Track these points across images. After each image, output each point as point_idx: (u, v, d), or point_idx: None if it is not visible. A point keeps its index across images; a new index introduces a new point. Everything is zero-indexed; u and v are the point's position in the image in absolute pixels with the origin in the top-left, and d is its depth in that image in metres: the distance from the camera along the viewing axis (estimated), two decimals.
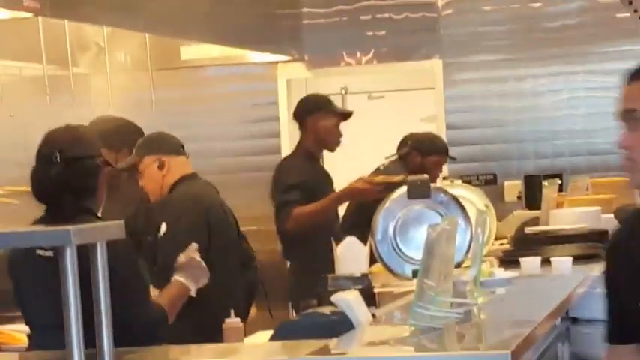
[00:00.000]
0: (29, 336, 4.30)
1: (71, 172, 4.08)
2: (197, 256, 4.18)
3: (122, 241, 3.11)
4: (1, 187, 6.13)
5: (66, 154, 4.07)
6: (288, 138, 8.18)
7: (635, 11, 7.50)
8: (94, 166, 4.11)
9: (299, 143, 6.45)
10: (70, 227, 3.55)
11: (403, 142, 7.20)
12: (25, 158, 6.37)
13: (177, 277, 4.12)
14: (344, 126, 6.84)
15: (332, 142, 6.38)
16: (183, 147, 5.26)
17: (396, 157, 7.13)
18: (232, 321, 4.36)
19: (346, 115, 6.49)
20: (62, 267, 3.17)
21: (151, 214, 5.06)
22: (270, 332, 3.78)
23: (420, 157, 7.02)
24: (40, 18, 5.69)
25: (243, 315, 4.74)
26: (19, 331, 5.21)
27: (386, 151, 7.25)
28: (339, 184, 7.47)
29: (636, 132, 2.76)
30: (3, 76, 5.99)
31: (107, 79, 6.91)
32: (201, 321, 4.60)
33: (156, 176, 5.02)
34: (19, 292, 3.91)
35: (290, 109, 7.51)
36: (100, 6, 5.87)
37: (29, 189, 6.24)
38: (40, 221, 4.10)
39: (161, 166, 5.09)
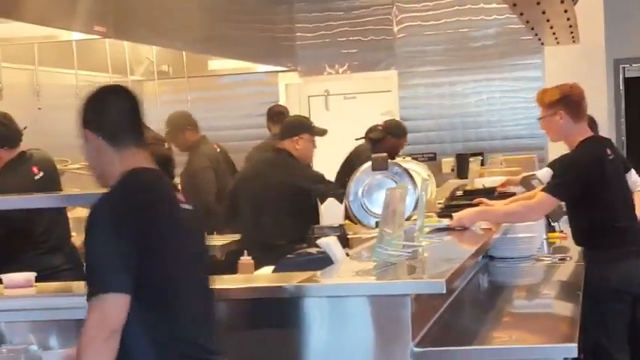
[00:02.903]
0: None
1: (169, 151, 4.36)
2: None
3: None
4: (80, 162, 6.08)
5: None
6: None
7: (536, 34, 7.49)
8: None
9: None
10: None
11: (372, 129, 7.12)
12: None
13: None
14: (330, 118, 6.81)
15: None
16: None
17: (364, 139, 7.08)
18: (245, 258, 4.35)
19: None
20: None
21: None
22: (273, 267, 3.75)
23: (395, 139, 6.98)
24: (107, 40, 5.65)
25: None
26: None
27: (356, 134, 7.23)
28: (324, 158, 7.43)
29: None
30: (80, 82, 5.93)
31: (155, 84, 6.88)
32: None
33: None
34: None
35: (288, 107, 7.45)
36: (150, 31, 5.83)
37: None
38: None
39: None
